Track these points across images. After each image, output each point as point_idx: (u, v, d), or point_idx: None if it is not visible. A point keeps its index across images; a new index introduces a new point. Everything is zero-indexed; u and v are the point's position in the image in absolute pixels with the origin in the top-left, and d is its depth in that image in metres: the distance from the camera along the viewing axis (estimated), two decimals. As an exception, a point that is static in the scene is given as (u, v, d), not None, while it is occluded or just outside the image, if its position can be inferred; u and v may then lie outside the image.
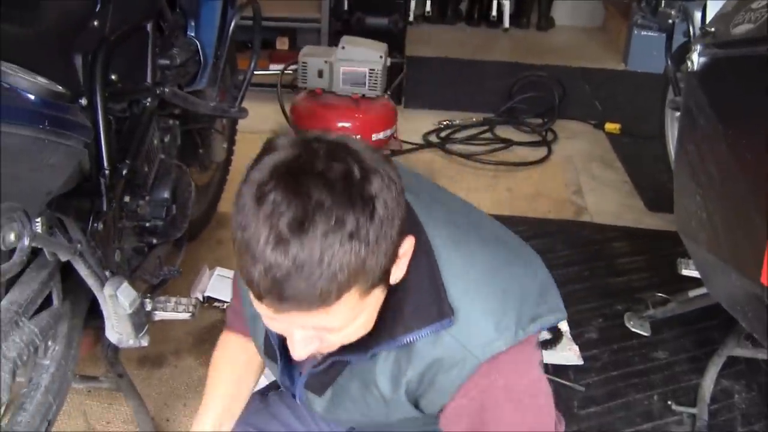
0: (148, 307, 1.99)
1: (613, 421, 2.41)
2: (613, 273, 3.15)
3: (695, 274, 2.46)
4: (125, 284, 1.82)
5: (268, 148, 1.04)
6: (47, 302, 1.77)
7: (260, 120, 4.07)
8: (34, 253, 1.67)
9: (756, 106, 1.83)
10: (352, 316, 1.07)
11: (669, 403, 2.47)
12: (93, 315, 1.93)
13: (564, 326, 2.73)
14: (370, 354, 1.19)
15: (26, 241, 1.43)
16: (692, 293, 2.66)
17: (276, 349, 1.33)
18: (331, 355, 1.23)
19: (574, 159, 4.25)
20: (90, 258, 1.74)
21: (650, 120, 3.94)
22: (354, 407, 1.31)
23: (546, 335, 2.65)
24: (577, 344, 2.68)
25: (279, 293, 0.98)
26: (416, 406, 1.26)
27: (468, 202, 1.39)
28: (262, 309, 1.04)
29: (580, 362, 2.62)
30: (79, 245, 1.70)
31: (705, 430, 2.37)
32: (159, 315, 2.02)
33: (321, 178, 0.97)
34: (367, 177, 0.99)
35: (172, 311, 2.00)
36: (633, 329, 2.76)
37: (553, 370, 2.54)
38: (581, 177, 4.05)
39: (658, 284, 2.98)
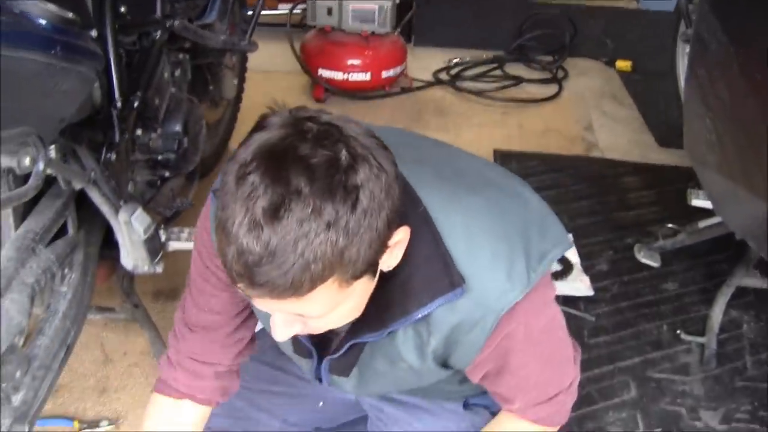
0: (162, 238, 2.01)
1: (622, 350, 2.44)
2: (623, 207, 3.15)
3: (705, 204, 2.47)
4: (139, 210, 1.83)
5: (260, 124, 1.00)
6: (63, 232, 1.79)
7: (270, 60, 4.05)
8: (48, 183, 1.69)
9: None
10: (333, 304, 1.04)
11: (678, 332, 2.49)
12: (108, 246, 1.96)
13: (575, 258, 2.75)
14: (386, 332, 1.18)
15: (41, 166, 1.44)
16: (702, 224, 2.67)
17: (308, 344, 1.29)
18: (346, 338, 1.22)
19: (585, 96, 4.21)
20: (104, 185, 1.75)
21: (662, 58, 3.91)
22: (384, 380, 1.31)
23: (557, 267, 2.67)
24: (587, 276, 2.70)
25: (250, 278, 0.96)
26: (445, 365, 1.26)
27: (444, 143, 1.38)
28: (241, 290, 1.01)
29: (591, 293, 2.63)
30: (92, 173, 1.71)
31: (713, 359, 2.39)
32: (173, 245, 2.04)
33: (303, 163, 0.93)
34: (354, 166, 0.95)
35: (186, 241, 2.02)
36: (643, 260, 2.75)
37: (564, 300, 2.56)
38: (592, 113, 4.02)
39: (668, 218, 2.95)
